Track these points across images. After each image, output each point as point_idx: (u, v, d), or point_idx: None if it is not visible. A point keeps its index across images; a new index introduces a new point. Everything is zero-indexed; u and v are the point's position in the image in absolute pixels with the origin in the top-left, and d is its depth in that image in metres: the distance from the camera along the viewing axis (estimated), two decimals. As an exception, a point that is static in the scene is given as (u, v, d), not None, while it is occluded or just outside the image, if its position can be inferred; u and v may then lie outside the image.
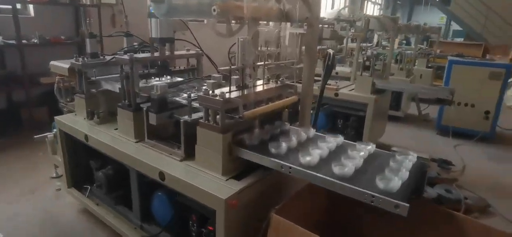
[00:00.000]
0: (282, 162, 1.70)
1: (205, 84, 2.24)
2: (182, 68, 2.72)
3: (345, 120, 4.24)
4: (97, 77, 2.59)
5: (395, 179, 1.51)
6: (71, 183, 2.85)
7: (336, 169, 1.60)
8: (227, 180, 1.82)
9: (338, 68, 5.63)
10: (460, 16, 11.87)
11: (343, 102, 4.14)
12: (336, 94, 4.13)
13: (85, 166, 2.75)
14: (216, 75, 2.27)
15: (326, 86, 4.23)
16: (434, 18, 18.13)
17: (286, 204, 1.75)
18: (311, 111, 4.08)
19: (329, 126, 4.35)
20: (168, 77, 2.63)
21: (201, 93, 1.85)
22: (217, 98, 1.77)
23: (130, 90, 2.26)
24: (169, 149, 2.14)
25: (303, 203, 1.86)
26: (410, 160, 1.74)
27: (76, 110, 2.77)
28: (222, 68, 1.93)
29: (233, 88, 2.01)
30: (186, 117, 1.99)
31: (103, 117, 2.60)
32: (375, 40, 7.67)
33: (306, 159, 1.69)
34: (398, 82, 4.62)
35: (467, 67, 4.99)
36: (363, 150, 1.83)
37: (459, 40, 13.22)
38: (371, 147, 1.90)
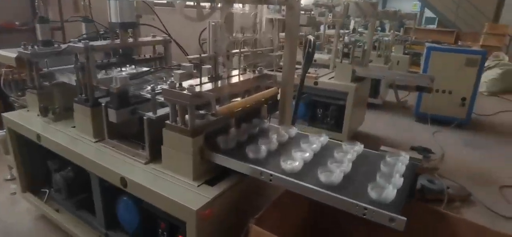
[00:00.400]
0: (261, 169, 1.46)
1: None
2: (148, 56, 2.40)
3: (325, 109, 4.05)
4: (50, 68, 2.24)
5: (389, 187, 1.31)
6: (25, 187, 2.50)
7: (322, 177, 1.37)
8: (199, 186, 1.57)
9: (316, 56, 5.40)
10: (433, 3, 11.89)
11: (323, 91, 3.94)
12: (316, 83, 3.92)
13: (43, 167, 2.41)
14: (187, 64, 1.99)
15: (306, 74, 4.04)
16: (407, 5, 18.21)
17: (266, 212, 1.52)
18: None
19: (309, 116, 4.15)
20: (133, 67, 2.31)
21: (166, 86, 1.57)
22: (185, 92, 1.49)
23: (87, 83, 1.94)
24: (132, 150, 1.85)
25: (285, 210, 1.64)
26: (402, 162, 1.55)
27: (28, 105, 2.41)
28: (191, 56, 1.65)
29: (205, 79, 1.74)
30: (150, 114, 1.70)
31: (59, 114, 2.27)
32: (351, 26, 7.49)
33: (288, 164, 1.45)
34: (378, 69, 4.47)
35: (444, 53, 4.89)
36: (351, 151, 1.62)
37: (432, 27, 13.31)
38: (359, 147, 1.69)
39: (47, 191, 2.45)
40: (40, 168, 2.45)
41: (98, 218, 2.13)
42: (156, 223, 1.78)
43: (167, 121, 1.63)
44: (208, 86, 1.65)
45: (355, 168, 1.49)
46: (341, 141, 3.95)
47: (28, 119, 2.30)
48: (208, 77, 1.76)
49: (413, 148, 4.19)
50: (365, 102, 4.64)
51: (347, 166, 1.47)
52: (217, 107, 1.52)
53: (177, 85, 1.54)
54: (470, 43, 8.17)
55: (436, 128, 4.88)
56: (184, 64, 2.05)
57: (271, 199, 1.62)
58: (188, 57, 1.65)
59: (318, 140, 1.73)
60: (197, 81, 1.69)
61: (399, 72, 4.60)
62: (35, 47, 2.19)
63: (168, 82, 1.57)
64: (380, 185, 1.35)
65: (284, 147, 1.68)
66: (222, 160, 1.57)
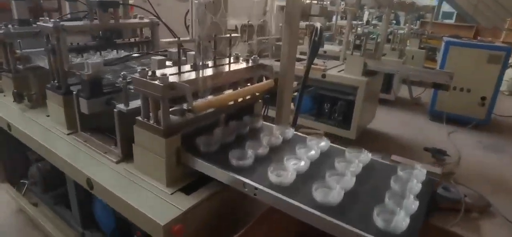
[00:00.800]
0: (245, 179, 1.19)
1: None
2: (133, 40, 2.13)
3: (332, 105, 3.73)
4: (25, 51, 2.00)
5: (400, 214, 1.02)
6: (3, 178, 2.29)
7: (318, 194, 1.09)
8: (172, 194, 1.31)
9: (327, 47, 5.07)
10: (453, -5, 11.25)
11: (331, 85, 3.62)
12: (324, 76, 3.60)
13: (23, 157, 2.20)
14: (173, 50, 1.72)
15: (313, 66, 3.72)
16: (424, -3, 17.42)
17: (250, 229, 1.25)
18: (295, 93, 3.56)
19: (315, 111, 3.84)
20: (117, 51, 2.05)
21: (137, 75, 1.30)
22: (156, 82, 1.22)
23: (58, 68, 1.69)
24: (104, 146, 1.60)
25: (273, 226, 1.37)
26: (418, 178, 1.25)
27: (4, 90, 2.19)
28: (167, 40, 1.38)
29: (187, 67, 1.46)
30: (121, 106, 1.44)
31: (36, 101, 2.03)
32: (365, 18, 7.07)
33: (277, 176, 1.17)
34: (392, 64, 4.11)
35: (464, 49, 4.48)
36: (355, 161, 1.32)
37: (448, 21, 12.68)
38: (365, 156, 1.39)
39: (26, 183, 2.24)
40: (19, 157, 2.24)
41: (74, 216, 1.91)
42: (131, 229, 1.55)
43: (138, 117, 1.36)
44: (189, 76, 1.38)
45: (359, 183, 1.20)
46: (348, 138, 3.71)
47: (2, 105, 2.07)
48: (191, 66, 1.48)
49: (426, 150, 3.85)
50: (376, 97, 4.30)
51: (349, 181, 1.18)
52: (195, 101, 1.25)
53: (150, 73, 1.27)
54: (491, 39, 7.65)
55: (452, 128, 4.52)
56: (171, 50, 1.78)
57: (258, 212, 1.35)
58: (164, 40, 1.37)
59: (317, 145, 1.44)
60: (174, 69, 1.42)
61: (414, 67, 4.23)
62: (10, 26, 1.95)
63: (139, 70, 1.29)
64: (389, 209, 1.06)
65: (276, 153, 1.40)
66: (201, 166, 1.30)
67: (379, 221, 1.00)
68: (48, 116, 1.90)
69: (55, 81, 1.75)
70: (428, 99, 5.16)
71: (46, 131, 1.79)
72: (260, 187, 1.15)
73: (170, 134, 1.29)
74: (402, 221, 1.00)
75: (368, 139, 3.96)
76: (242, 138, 1.47)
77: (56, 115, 1.81)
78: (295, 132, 1.61)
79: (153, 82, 1.23)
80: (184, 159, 1.33)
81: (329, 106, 3.75)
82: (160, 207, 1.23)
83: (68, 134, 1.74)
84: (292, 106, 3.70)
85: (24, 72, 2.01)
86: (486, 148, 4.06)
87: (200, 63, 1.46)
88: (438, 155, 3.71)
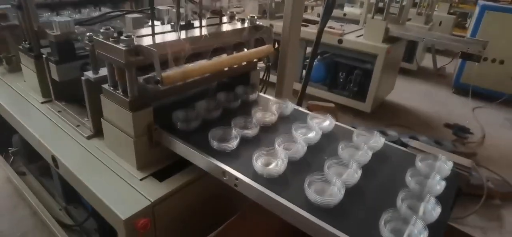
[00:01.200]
0: (224, 166, 0.97)
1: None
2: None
3: (348, 74, 3.41)
4: (1, 6, 1.78)
5: (417, 225, 0.78)
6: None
7: (311, 191, 0.86)
8: (143, 179, 1.11)
9: (346, 9, 4.66)
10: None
11: (348, 52, 3.29)
12: (340, 41, 3.26)
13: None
14: (163, 8, 1.46)
15: (329, 30, 3.37)
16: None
17: (230, 226, 1.05)
18: (307, 60, 3.24)
19: (329, 80, 3.53)
20: (100, 9, 1.81)
21: (100, 37, 1.06)
22: (119, 45, 0.99)
23: (28, 27, 1.47)
24: (77, 119, 1.40)
25: (256, 222, 1.15)
26: (441, 172, 0.99)
27: (-16, 51, 2.00)
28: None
29: (166, 28, 1.22)
30: (89, 73, 1.22)
31: (17, 64, 1.84)
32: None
33: (264, 165, 0.95)
34: (417, 30, 3.69)
35: (502, 14, 3.96)
36: (363, 148, 1.07)
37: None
38: (377, 141, 1.13)
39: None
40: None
41: (57, 189, 1.77)
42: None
43: (105, 85, 1.14)
44: (164, 39, 1.13)
45: (366, 177, 0.96)
46: (363, 111, 3.41)
47: (-19, 67, 1.90)
48: (171, 26, 1.23)
49: (447, 126, 3.52)
50: (396, 67, 3.92)
51: (353, 175, 0.94)
52: (165, 72, 1.01)
53: (115, 35, 1.03)
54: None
55: (478, 104, 4.12)
56: (160, 7, 1.53)
57: (242, 206, 1.14)
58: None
59: (319, 125, 1.19)
60: (162, 28, 1.18)
61: (442, 34, 3.79)
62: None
63: (102, 30, 1.06)
64: (401, 217, 0.82)
65: (269, 133, 1.16)
66: (176, 147, 1.08)
67: (386, 233, 0.77)
68: (25, 81, 1.72)
69: (26, 42, 1.54)
70: (452, 70, 4.72)
71: (19, 99, 1.60)
72: (242, 177, 0.93)
73: (139, 107, 1.07)
74: (417, 236, 0.76)
75: (384, 113, 3.65)
76: (230, 113, 1.24)
77: (30, 81, 1.62)
78: (295, 107, 1.36)
79: (115, 45, 0.99)
80: (157, 138, 1.12)
81: (344, 75, 3.43)
82: (126, 195, 1.04)
83: (42, 103, 1.55)
84: (303, 73, 3.42)
85: (1, 32, 1.81)
86: (515, 127, 3.68)
87: (181, 23, 1.21)
88: (460, 132, 3.38)
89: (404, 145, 1.12)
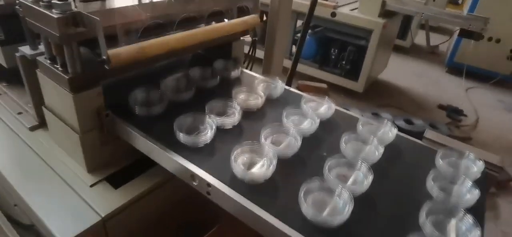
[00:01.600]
0: (194, 168, 0.72)
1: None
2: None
3: (340, 50, 3.16)
4: None
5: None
6: None
7: (308, 209, 0.63)
8: (93, 186, 0.86)
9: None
10: None
11: (341, 26, 3.02)
12: (333, 14, 2.99)
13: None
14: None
15: (321, 1, 3.09)
16: None
17: None
18: (297, 34, 2.97)
19: (319, 57, 3.28)
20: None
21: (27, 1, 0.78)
22: (50, 12, 0.71)
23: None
24: (20, 106, 1.12)
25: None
26: (469, 175, 0.78)
27: None
28: None
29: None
30: (25, 49, 0.94)
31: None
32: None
33: (247, 166, 0.71)
34: (415, 4, 3.44)
35: (502, -10, 3.74)
36: (371, 140, 0.84)
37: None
38: (387, 131, 0.91)
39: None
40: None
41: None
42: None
43: (41, 57, 0.87)
44: (116, 3, 0.85)
45: (378, 180, 0.73)
46: (355, 91, 3.20)
47: None
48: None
49: (441, 107, 3.36)
50: (391, 44, 3.70)
51: (363, 180, 0.72)
52: (114, 49, 0.74)
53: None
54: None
55: (471, 84, 3.97)
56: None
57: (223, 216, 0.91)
58: None
59: (315, 111, 0.95)
60: None
61: (441, 9, 3.56)
62: None
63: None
64: (429, 241, 0.60)
65: (253, 122, 0.92)
66: (132, 138, 0.83)
67: (414, 269, 0.55)
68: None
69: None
70: (446, 48, 4.54)
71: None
72: (216, 183, 0.69)
73: (84, 86, 0.80)
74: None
75: (376, 93, 3.45)
76: (206, 95, 0.98)
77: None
78: (286, 87, 1.12)
79: (45, 12, 0.71)
80: (110, 127, 0.86)
81: (336, 52, 3.18)
82: (71, 209, 0.79)
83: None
84: (294, 49, 3.16)
85: None
86: (508, 110, 3.55)
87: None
88: (453, 114, 3.22)
89: (400, 129, 0.91)
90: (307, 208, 0.63)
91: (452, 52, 4.17)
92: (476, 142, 2.82)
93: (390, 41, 3.51)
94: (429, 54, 4.80)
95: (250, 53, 1.65)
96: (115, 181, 0.86)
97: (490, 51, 3.89)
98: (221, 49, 1.16)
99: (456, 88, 3.89)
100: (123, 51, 0.75)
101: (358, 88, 3.11)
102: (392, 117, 2.73)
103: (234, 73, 1.14)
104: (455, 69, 4.17)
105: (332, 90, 3.17)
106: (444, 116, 3.21)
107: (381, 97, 3.42)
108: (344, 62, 3.11)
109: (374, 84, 3.55)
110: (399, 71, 4.09)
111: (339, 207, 0.65)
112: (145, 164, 0.88)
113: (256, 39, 1.50)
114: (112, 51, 0.72)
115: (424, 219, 0.64)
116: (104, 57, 0.71)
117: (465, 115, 3.23)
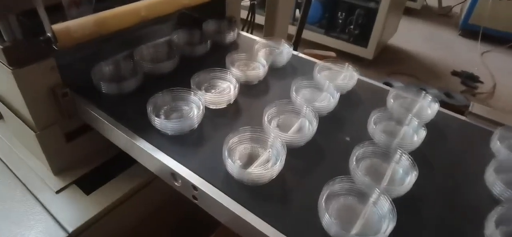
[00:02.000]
0: (175, 165, 0.53)
1: None
2: None
3: (348, 14, 2.89)
4: None
5: None
6: None
7: (329, 223, 0.44)
8: (60, 191, 0.67)
9: None
10: None
11: (349, -13, 2.74)
12: (340, -26, 2.69)
13: None
14: None
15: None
16: None
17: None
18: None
19: (326, 21, 3.02)
20: None
21: None
22: None
23: None
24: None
25: None
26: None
27: None
28: None
29: None
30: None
31: None
32: None
33: (245, 162, 0.51)
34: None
35: None
36: (408, 119, 0.64)
37: None
38: (422, 106, 0.70)
39: None
40: None
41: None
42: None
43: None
44: None
45: (421, 173, 0.54)
46: (365, 58, 2.96)
47: None
48: None
49: (455, 74, 3.11)
50: (402, 6, 3.41)
51: (403, 178, 0.52)
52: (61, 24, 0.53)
53: None
54: None
55: (486, 47, 3.69)
56: None
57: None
58: None
59: (333, 83, 0.74)
60: None
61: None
62: None
63: None
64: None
65: (253, 99, 0.71)
66: (98, 124, 0.63)
67: None
68: None
69: None
70: (459, 10, 4.22)
71: None
72: (203, 186, 0.50)
73: (29, 59, 0.60)
74: None
75: (386, 60, 3.20)
76: (192, 65, 0.77)
77: None
78: (295, 53, 0.90)
79: None
80: (69, 111, 0.66)
81: (343, 15, 2.91)
82: (31, 223, 0.61)
83: None
84: (297, 13, 2.90)
85: None
86: (528, 74, 3.30)
87: None
88: (469, 81, 2.98)
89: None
90: (329, 221, 0.44)
91: (467, 13, 3.85)
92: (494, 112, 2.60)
93: (401, 2, 3.22)
94: (441, 16, 4.48)
95: (249, 19, 1.41)
96: (87, 184, 0.67)
97: (508, 11, 3.59)
98: (213, 7, 0.93)
99: (469, 52, 3.61)
100: (75, 25, 0.54)
101: (368, 55, 2.87)
102: (404, 86, 2.51)
103: (229, 37, 0.92)
104: (469, 31, 3.87)
105: (339, 57, 2.93)
106: (458, 83, 2.98)
107: (390, 64, 3.17)
108: (352, 27, 2.85)
109: (383, 51, 3.29)
110: (410, 35, 3.81)
111: (374, 219, 0.46)
112: (125, 161, 0.69)
113: (255, 2, 1.27)
114: (59, 26, 0.51)
115: (493, 230, 0.45)
116: (49, 34, 0.50)
117: (482, 82, 3.00)
